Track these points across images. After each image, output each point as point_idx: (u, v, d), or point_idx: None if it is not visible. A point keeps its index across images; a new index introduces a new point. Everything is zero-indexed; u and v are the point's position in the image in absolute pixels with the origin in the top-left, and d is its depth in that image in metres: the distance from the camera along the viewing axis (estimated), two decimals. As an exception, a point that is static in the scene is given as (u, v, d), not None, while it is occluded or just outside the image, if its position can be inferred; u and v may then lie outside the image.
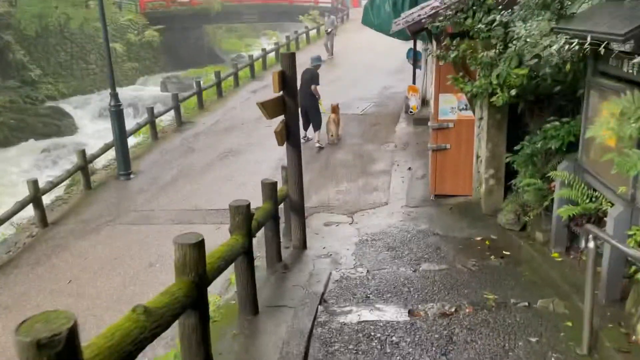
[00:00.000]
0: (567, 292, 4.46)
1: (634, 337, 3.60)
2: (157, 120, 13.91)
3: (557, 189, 5.08)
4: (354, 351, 3.87)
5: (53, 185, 9.49)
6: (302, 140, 10.97)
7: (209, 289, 3.57)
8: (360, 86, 16.54)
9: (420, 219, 7.19)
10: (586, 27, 4.01)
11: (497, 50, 5.36)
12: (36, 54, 27.20)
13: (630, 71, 3.76)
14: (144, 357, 3.44)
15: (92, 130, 23.68)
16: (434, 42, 7.18)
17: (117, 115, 10.39)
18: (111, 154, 11.53)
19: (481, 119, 6.77)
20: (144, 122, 12.96)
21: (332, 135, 11.27)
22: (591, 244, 3.38)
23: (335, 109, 11.29)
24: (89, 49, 29.36)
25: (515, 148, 5.84)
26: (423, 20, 6.56)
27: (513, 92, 5.31)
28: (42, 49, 27.66)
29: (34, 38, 27.03)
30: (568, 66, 4.85)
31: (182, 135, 13.45)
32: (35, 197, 8.73)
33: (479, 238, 6.32)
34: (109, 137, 11.03)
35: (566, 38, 4.03)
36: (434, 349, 3.84)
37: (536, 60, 5.46)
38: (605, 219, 4.51)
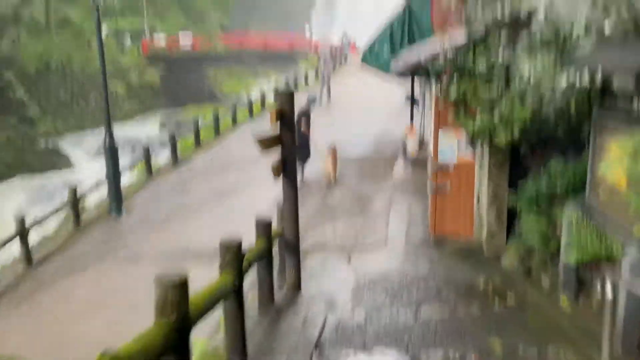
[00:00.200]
0: (579, 340, 4.18)
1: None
2: (152, 158, 13.78)
3: (564, 232, 4.87)
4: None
5: (40, 222, 9.20)
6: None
7: (196, 331, 3.31)
8: (358, 128, 16.50)
9: (420, 261, 6.92)
10: (593, 64, 3.90)
11: (500, 90, 5.25)
12: (36, 92, 27.36)
13: (641, 108, 3.62)
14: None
15: (87, 167, 23.56)
16: (434, 82, 7.11)
17: (111, 152, 10.23)
18: (104, 191, 11.30)
19: (482, 159, 6.62)
20: (139, 160, 12.79)
21: (329, 177, 11.11)
22: (608, 291, 3.14)
23: (332, 151, 11.18)
24: (89, 88, 29.58)
25: (519, 189, 5.65)
26: (423, 62, 6.50)
27: (516, 131, 5.17)
28: (42, 87, 27.86)
29: (35, 76, 27.27)
30: (573, 107, 4.73)
31: (177, 173, 13.27)
32: (21, 234, 8.44)
33: (481, 281, 6.04)
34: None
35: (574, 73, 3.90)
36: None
37: (538, 101, 5.36)
38: (616, 262, 4.29)
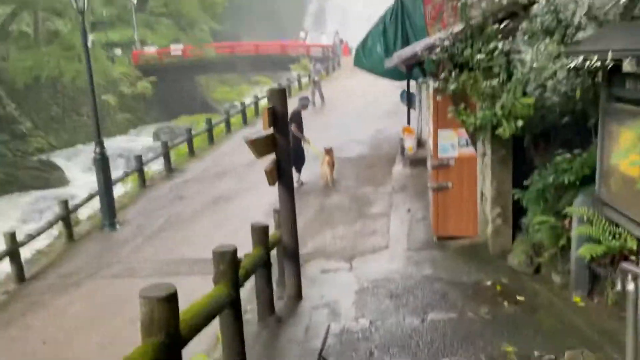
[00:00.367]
0: (597, 342, 3.95)
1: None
2: (145, 169, 13.52)
3: (574, 227, 4.65)
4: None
5: (32, 237, 8.92)
6: (294, 185, 10.76)
7: (193, 346, 3.06)
8: (354, 130, 16.29)
9: (424, 263, 6.68)
10: (600, 47, 3.69)
11: (501, 79, 5.03)
12: (27, 107, 27.06)
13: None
14: None
15: (82, 182, 23.23)
16: (431, 77, 6.90)
17: (102, 163, 9.97)
18: (97, 204, 11.03)
19: (484, 154, 6.40)
20: (132, 170, 12.54)
21: (327, 179, 10.88)
22: (631, 286, 2.91)
23: (329, 152, 10.96)
24: (80, 102, 29.27)
25: (525, 184, 5.42)
26: (419, 54, 6.28)
27: (519, 122, 4.95)
28: (33, 102, 27.55)
29: (25, 91, 26.98)
30: (578, 93, 4.52)
31: (171, 182, 13.01)
32: (11, 251, 8.17)
33: (488, 282, 5.81)
34: (99, 188, 10.55)
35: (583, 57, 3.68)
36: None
37: (541, 89, 5.15)
38: (632, 257, 4.06)
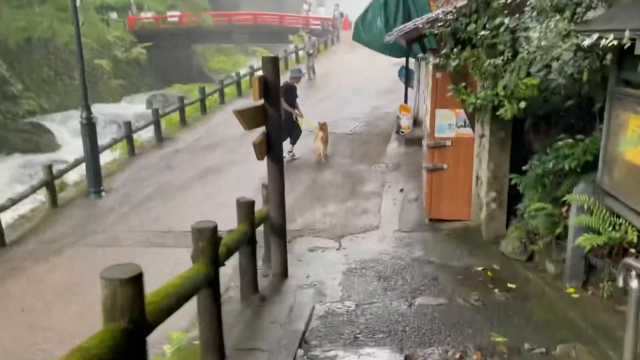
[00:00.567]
0: (591, 336, 3.80)
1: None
2: (135, 136, 13.20)
3: (572, 215, 4.46)
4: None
5: (13, 202, 8.68)
6: (286, 156, 10.59)
7: (171, 324, 2.87)
8: (350, 106, 16.01)
9: (415, 245, 6.52)
10: (616, 26, 3.43)
11: (506, 58, 4.77)
12: (19, 68, 26.45)
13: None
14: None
15: (73, 146, 22.77)
16: (431, 53, 6.62)
17: (88, 128, 9.66)
18: (84, 170, 10.75)
19: (482, 136, 6.17)
20: (121, 137, 12.23)
21: (319, 154, 10.65)
22: (635, 283, 2.73)
23: (323, 127, 10.70)
24: (74, 65, 28.47)
25: (524, 168, 5.22)
26: (420, 27, 5.99)
27: (522, 104, 4.71)
28: (25, 63, 26.92)
29: (17, 52, 26.33)
30: (585, 75, 4.28)
31: (161, 151, 12.73)
32: (-9, 214, 7.94)
33: (480, 268, 5.65)
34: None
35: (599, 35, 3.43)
36: (436, 408, 3.14)
37: (546, 70, 4.90)
38: (631, 250, 3.89)
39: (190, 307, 3.42)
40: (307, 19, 34.30)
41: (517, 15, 4.94)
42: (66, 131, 24.78)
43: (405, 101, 12.20)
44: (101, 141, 11.94)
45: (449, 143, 6.70)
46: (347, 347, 3.99)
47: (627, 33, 3.06)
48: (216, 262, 3.48)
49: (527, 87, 4.62)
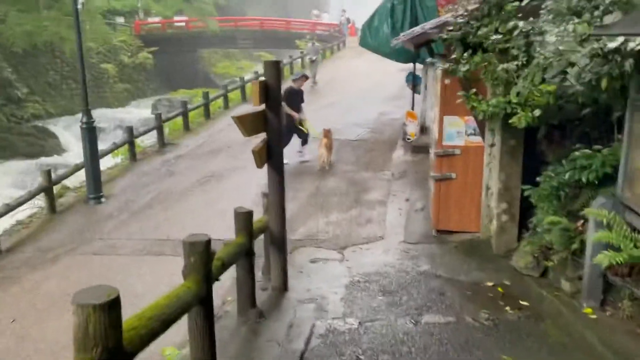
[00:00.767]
0: (611, 362, 3.52)
1: None
2: (138, 142, 13.03)
3: (591, 231, 4.19)
4: None
5: (10, 208, 8.48)
6: (287, 163, 10.44)
7: (164, 339, 2.64)
8: (356, 112, 15.79)
9: (421, 258, 6.25)
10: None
11: (520, 63, 4.52)
12: (24, 72, 26.45)
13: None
14: None
15: (78, 151, 22.70)
16: (440, 58, 6.38)
17: (88, 133, 9.47)
18: (84, 175, 10.57)
19: (493, 145, 5.91)
20: (122, 142, 12.05)
21: (323, 161, 10.42)
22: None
23: (327, 134, 10.48)
24: (79, 69, 28.60)
25: (538, 180, 4.95)
26: (429, 32, 5.76)
27: (537, 112, 4.45)
28: (31, 67, 26.91)
29: (22, 56, 26.32)
30: (604, 83, 4.02)
31: (163, 157, 12.53)
32: (-14, 221, 7.74)
33: (490, 283, 5.38)
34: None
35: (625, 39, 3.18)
36: None
37: (561, 77, 4.65)
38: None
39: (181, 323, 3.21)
40: (314, 24, 34.19)
41: (531, 19, 4.71)
42: (71, 135, 24.70)
43: (412, 107, 11.97)
44: (105, 146, 11.81)
45: (457, 151, 6.45)
46: (349, 370, 3.74)
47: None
48: (209, 279, 3.25)
49: (542, 95, 4.37)
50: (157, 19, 34.81)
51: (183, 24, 33.77)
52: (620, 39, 3.26)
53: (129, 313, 6.01)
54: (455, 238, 6.60)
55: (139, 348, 2.20)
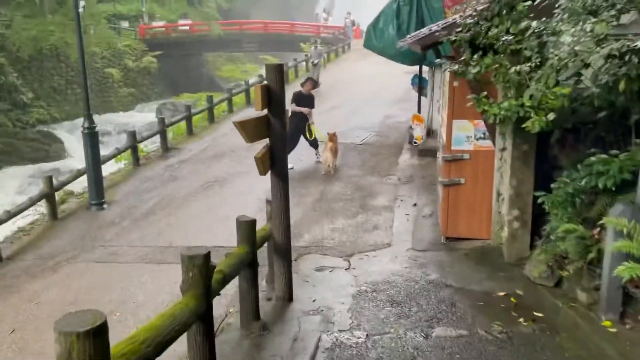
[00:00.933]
0: (634, 380, 3.33)
1: None
2: (141, 146, 12.91)
3: (608, 239, 4.00)
4: None
5: (10, 215, 8.36)
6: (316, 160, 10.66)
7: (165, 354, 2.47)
8: (361, 115, 15.62)
9: (430, 266, 6.07)
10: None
11: (534, 64, 4.34)
12: (30, 77, 26.47)
13: None
14: None
15: (82, 156, 22.63)
16: (448, 60, 6.20)
17: (90, 139, 9.35)
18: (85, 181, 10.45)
19: (504, 149, 5.73)
20: (125, 147, 11.92)
21: (328, 165, 10.25)
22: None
23: (332, 138, 10.31)
24: (81, 73, 28.54)
25: (553, 185, 4.76)
26: (437, 34, 5.59)
27: (551, 115, 4.27)
28: (36, 72, 26.92)
29: (28, 61, 26.33)
30: (622, 85, 3.83)
31: (166, 162, 12.39)
32: (-14, 229, 7.62)
33: (502, 293, 5.19)
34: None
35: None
36: None
37: (575, 78, 4.47)
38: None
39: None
40: (318, 27, 34.08)
41: (544, 19, 4.52)
42: (76, 140, 24.67)
43: (419, 110, 11.80)
44: (109, 151, 11.70)
45: (466, 156, 6.26)
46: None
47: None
48: (208, 294, 3.08)
49: (557, 97, 4.18)
50: (161, 23, 34.81)
51: (187, 27, 33.73)
52: (621, 50, 3.08)
53: (130, 323, 5.86)
54: (464, 245, 6.41)
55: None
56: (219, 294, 3.43)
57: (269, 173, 4.76)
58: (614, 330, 3.97)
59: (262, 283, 5.48)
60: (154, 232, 8.38)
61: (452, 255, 6.25)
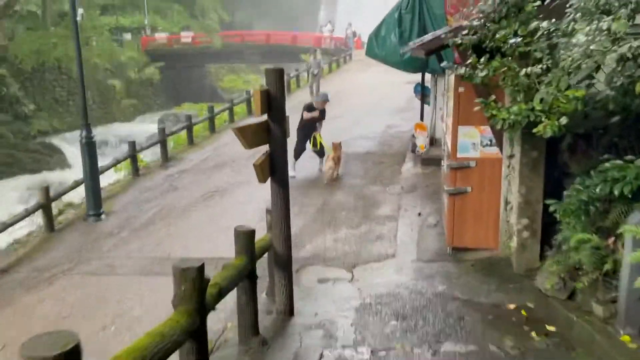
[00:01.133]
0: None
1: None
2: (142, 157, 12.76)
3: (627, 250, 3.79)
4: None
5: (6, 226, 8.18)
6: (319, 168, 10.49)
7: None
8: (363, 125, 15.46)
9: (436, 278, 5.85)
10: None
11: (545, 66, 4.16)
12: (32, 88, 26.49)
13: None
14: None
15: (83, 166, 22.47)
16: (454, 64, 6.03)
17: (88, 149, 9.20)
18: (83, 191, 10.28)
19: (512, 156, 5.53)
20: (124, 157, 11.77)
21: (331, 174, 10.07)
22: None
23: (336, 147, 10.15)
24: (87, 85, 28.51)
25: (565, 193, 4.56)
26: (442, 37, 5.42)
27: (563, 120, 4.08)
28: (38, 83, 26.95)
29: (30, 73, 26.37)
30: (638, 87, 3.65)
31: (166, 172, 12.22)
32: (-20, 240, 7.44)
33: (512, 306, 4.97)
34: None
35: None
36: None
37: (587, 81, 4.29)
38: None
39: None
40: (320, 38, 34.10)
41: (554, 19, 4.36)
42: (77, 150, 24.54)
43: (421, 119, 11.62)
44: (108, 162, 11.55)
45: (472, 164, 6.07)
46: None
47: None
48: (202, 309, 2.88)
49: (569, 101, 3.99)
50: (163, 35, 34.90)
51: (189, 39, 33.79)
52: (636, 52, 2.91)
53: (126, 338, 5.63)
54: (471, 256, 6.20)
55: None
56: (214, 309, 3.23)
57: (269, 180, 4.58)
58: (633, 346, 3.75)
59: (262, 296, 5.27)
60: (152, 242, 8.20)
61: (459, 266, 6.03)
